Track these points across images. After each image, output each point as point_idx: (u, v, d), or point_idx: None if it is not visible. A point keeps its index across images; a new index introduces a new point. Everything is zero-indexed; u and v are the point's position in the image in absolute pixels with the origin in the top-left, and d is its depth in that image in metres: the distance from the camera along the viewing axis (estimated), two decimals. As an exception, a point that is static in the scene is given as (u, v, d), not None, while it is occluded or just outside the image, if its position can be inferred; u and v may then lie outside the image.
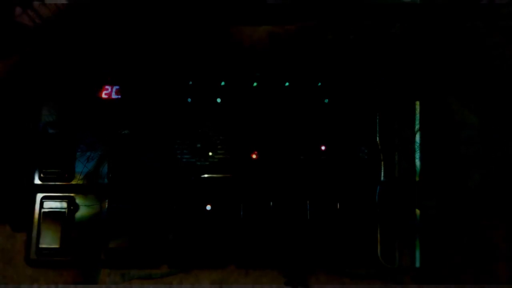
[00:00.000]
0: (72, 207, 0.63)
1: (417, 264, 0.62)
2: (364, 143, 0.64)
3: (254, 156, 0.64)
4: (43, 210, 0.63)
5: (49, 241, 0.62)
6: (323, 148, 0.64)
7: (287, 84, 0.66)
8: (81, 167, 0.64)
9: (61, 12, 0.68)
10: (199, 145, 0.64)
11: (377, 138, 0.64)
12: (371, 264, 0.62)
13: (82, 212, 0.64)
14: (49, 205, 0.63)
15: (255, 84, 0.66)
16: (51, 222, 0.63)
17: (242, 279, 0.64)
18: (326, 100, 0.65)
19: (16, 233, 0.65)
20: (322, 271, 0.64)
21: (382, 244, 0.62)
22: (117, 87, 0.66)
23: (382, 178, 0.63)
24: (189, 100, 0.65)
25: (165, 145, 0.64)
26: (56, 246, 0.62)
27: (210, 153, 0.64)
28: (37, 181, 0.64)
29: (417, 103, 0.64)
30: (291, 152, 0.64)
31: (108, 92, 0.66)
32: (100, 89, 0.66)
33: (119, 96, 0.66)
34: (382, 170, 0.63)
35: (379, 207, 0.63)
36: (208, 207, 0.63)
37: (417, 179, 0.63)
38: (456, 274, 0.63)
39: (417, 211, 0.63)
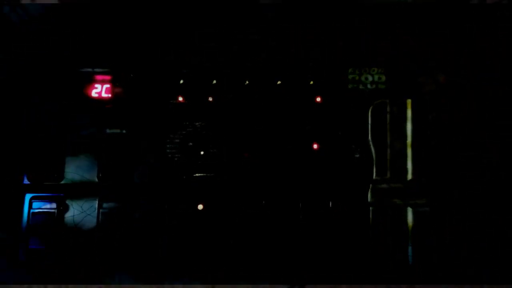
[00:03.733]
0: (61, 208, 0.63)
1: (409, 262, 0.61)
2: (356, 142, 0.64)
3: (246, 155, 0.64)
4: (32, 210, 0.62)
5: (38, 242, 0.62)
6: (315, 146, 0.64)
7: (278, 82, 0.65)
8: (71, 167, 0.64)
9: (51, 10, 0.68)
10: (190, 144, 0.64)
11: (369, 136, 0.64)
12: (363, 264, 0.62)
13: (72, 212, 0.63)
14: (38, 205, 0.63)
15: (246, 82, 0.65)
16: (40, 222, 0.62)
17: (234, 279, 0.64)
18: (318, 99, 0.65)
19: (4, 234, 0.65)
20: (315, 271, 0.64)
21: (375, 243, 0.62)
22: (107, 85, 0.65)
23: (374, 177, 0.63)
24: (180, 98, 0.65)
25: (156, 144, 0.64)
26: (45, 247, 0.61)
27: (202, 152, 0.64)
28: (26, 181, 0.63)
29: (409, 101, 0.64)
30: (284, 151, 0.64)
31: (98, 91, 0.65)
32: (90, 87, 0.65)
33: (109, 95, 0.65)
34: (374, 168, 0.63)
35: (371, 205, 0.63)
36: (200, 207, 0.63)
37: (409, 177, 0.63)
38: (448, 272, 0.63)
39: (409, 210, 0.63)
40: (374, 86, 0.65)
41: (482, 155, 0.66)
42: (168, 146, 0.64)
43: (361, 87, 0.65)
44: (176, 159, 0.64)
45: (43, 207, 0.63)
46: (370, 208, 0.63)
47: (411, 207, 0.62)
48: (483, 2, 0.68)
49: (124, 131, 0.64)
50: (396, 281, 0.63)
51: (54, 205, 0.63)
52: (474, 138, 0.67)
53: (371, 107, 0.64)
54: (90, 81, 0.66)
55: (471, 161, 0.66)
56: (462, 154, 0.66)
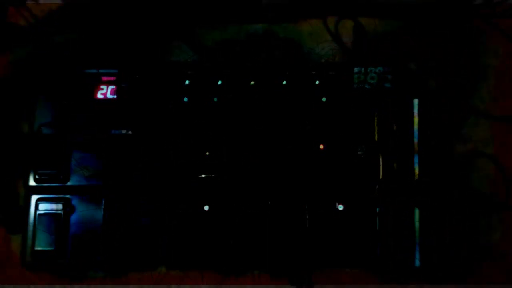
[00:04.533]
0: (67, 209, 0.63)
1: (417, 263, 0.62)
2: (363, 142, 0.64)
3: (252, 155, 0.64)
4: (38, 212, 0.62)
5: (44, 243, 0.61)
6: (321, 147, 0.64)
7: (284, 82, 0.65)
8: (76, 169, 0.63)
9: (55, 12, 0.68)
10: (196, 145, 0.64)
11: (375, 136, 0.64)
12: (370, 264, 0.62)
13: (78, 213, 0.63)
14: (44, 207, 0.62)
15: (252, 82, 0.65)
16: (47, 224, 0.62)
17: (240, 279, 0.64)
18: (324, 99, 0.65)
19: (11, 236, 0.65)
20: (322, 271, 0.64)
21: (382, 243, 0.62)
22: (112, 87, 0.65)
23: (380, 177, 0.63)
24: (185, 99, 0.65)
25: (161, 145, 0.64)
26: (52, 248, 0.61)
27: (207, 153, 0.64)
28: (32, 182, 0.63)
29: (415, 101, 0.64)
30: (290, 151, 0.64)
31: (103, 92, 0.65)
32: (95, 88, 0.65)
33: (115, 96, 0.65)
34: (381, 168, 0.63)
35: (378, 205, 0.63)
36: (206, 208, 0.63)
37: (415, 177, 0.63)
38: (454, 272, 0.64)
39: (416, 210, 0.63)
40: (380, 86, 0.65)
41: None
42: (173, 147, 0.64)
43: (366, 87, 0.65)
44: (181, 160, 0.64)
45: (49, 208, 0.62)
46: (377, 208, 0.63)
47: (418, 208, 0.63)
48: (489, 2, 0.69)
49: (129, 132, 0.64)
50: (403, 281, 0.63)
51: (60, 207, 0.62)
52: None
53: (377, 107, 0.64)
54: (95, 82, 0.66)
55: (470, 161, 0.67)
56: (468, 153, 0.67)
